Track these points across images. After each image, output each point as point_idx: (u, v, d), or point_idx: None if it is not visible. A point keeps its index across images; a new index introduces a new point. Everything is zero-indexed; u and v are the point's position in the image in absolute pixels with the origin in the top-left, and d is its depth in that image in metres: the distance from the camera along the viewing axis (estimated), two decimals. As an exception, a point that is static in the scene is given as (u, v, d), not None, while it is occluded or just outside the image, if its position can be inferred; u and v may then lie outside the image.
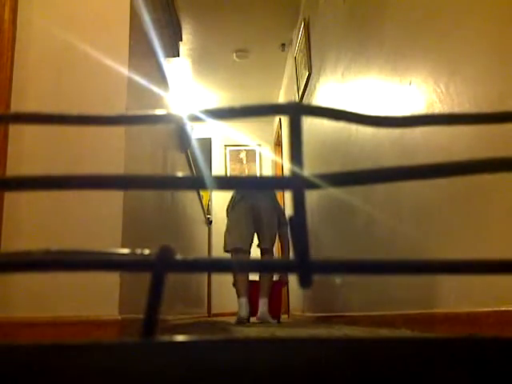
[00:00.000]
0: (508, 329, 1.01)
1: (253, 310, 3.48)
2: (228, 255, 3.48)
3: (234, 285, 3.50)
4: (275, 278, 3.80)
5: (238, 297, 3.38)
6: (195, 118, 0.23)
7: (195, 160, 3.70)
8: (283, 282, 3.98)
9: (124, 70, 1.58)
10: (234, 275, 3.50)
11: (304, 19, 3.83)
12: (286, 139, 4.92)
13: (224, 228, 3.67)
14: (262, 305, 3.39)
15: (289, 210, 4.84)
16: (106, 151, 1.51)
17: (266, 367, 0.18)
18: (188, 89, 5.68)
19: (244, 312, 3.29)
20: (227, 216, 3.68)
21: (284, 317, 4.83)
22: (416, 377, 0.18)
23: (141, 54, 1.84)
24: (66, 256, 0.21)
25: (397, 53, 1.79)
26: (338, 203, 2.77)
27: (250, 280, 3.50)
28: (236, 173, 6.36)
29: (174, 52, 4.04)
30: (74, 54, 1.57)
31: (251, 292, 3.47)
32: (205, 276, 5.19)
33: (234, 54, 4.95)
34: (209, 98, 5.97)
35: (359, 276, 1.99)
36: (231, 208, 3.61)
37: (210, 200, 6.02)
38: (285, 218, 3.69)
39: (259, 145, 6.43)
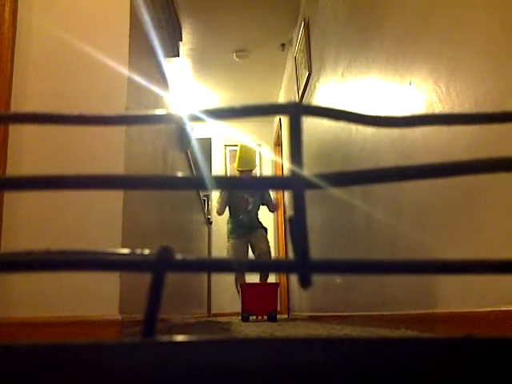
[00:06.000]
0: (508, 329, 1.01)
1: (249, 309, 3.65)
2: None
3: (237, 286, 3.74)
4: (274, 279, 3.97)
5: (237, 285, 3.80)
6: (195, 118, 0.23)
7: (195, 160, 3.70)
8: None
9: (124, 70, 1.57)
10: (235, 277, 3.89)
11: (304, 19, 3.83)
12: (286, 139, 4.92)
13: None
14: None
15: (289, 210, 4.85)
16: (106, 151, 1.51)
17: (266, 367, 0.18)
18: (188, 89, 5.68)
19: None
20: None
21: (284, 317, 4.84)
22: (416, 377, 0.18)
23: (141, 53, 1.84)
24: (66, 256, 0.21)
25: (397, 53, 1.79)
26: (338, 203, 2.77)
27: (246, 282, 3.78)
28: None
29: (174, 52, 4.05)
30: (74, 54, 1.57)
31: (247, 293, 3.62)
32: (205, 276, 5.19)
33: (234, 54, 4.95)
34: (209, 98, 5.97)
35: (359, 276, 1.99)
36: None
37: (209, 200, 6.01)
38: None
39: (259, 145, 6.43)
